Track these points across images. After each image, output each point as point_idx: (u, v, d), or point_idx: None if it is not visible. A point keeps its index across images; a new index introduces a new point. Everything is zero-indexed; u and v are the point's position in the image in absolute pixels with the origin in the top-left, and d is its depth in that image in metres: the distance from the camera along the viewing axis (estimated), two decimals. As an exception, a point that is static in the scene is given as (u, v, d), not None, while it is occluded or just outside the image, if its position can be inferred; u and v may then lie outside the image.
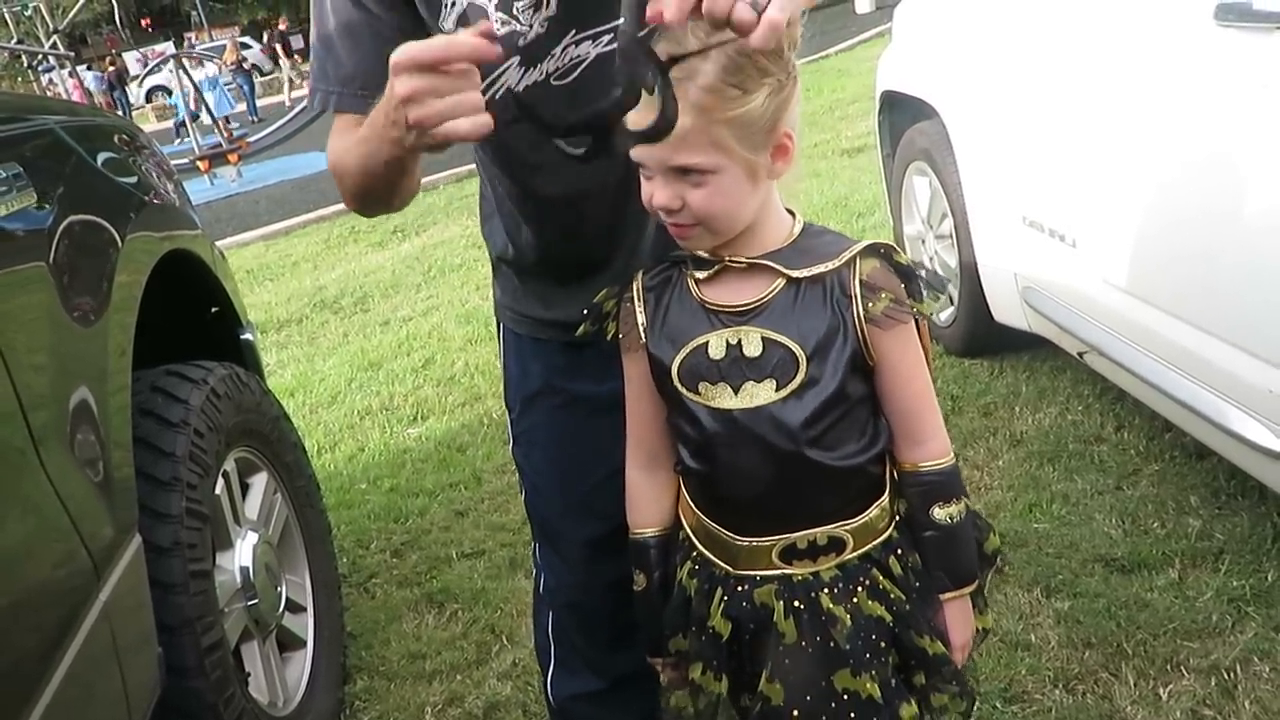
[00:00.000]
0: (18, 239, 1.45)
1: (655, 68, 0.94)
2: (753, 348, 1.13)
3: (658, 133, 0.96)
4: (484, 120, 0.96)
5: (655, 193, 1.09)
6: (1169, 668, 1.79)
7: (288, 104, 13.83)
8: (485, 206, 1.42)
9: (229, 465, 1.95)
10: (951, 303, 3.07)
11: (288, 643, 2.07)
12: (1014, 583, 2.07)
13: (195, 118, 13.84)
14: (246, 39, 30.51)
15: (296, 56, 23.09)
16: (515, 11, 1.17)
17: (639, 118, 0.97)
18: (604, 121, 0.97)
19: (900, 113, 3.19)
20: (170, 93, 20.81)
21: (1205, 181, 1.85)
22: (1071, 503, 2.31)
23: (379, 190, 1.19)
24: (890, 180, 3.49)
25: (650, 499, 1.29)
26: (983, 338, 3.01)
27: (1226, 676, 1.75)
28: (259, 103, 22.40)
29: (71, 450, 1.40)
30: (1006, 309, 2.74)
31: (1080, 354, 2.45)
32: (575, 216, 1.29)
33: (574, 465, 1.41)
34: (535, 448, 1.50)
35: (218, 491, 1.84)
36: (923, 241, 3.23)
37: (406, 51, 0.95)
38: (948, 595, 1.21)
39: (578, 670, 1.58)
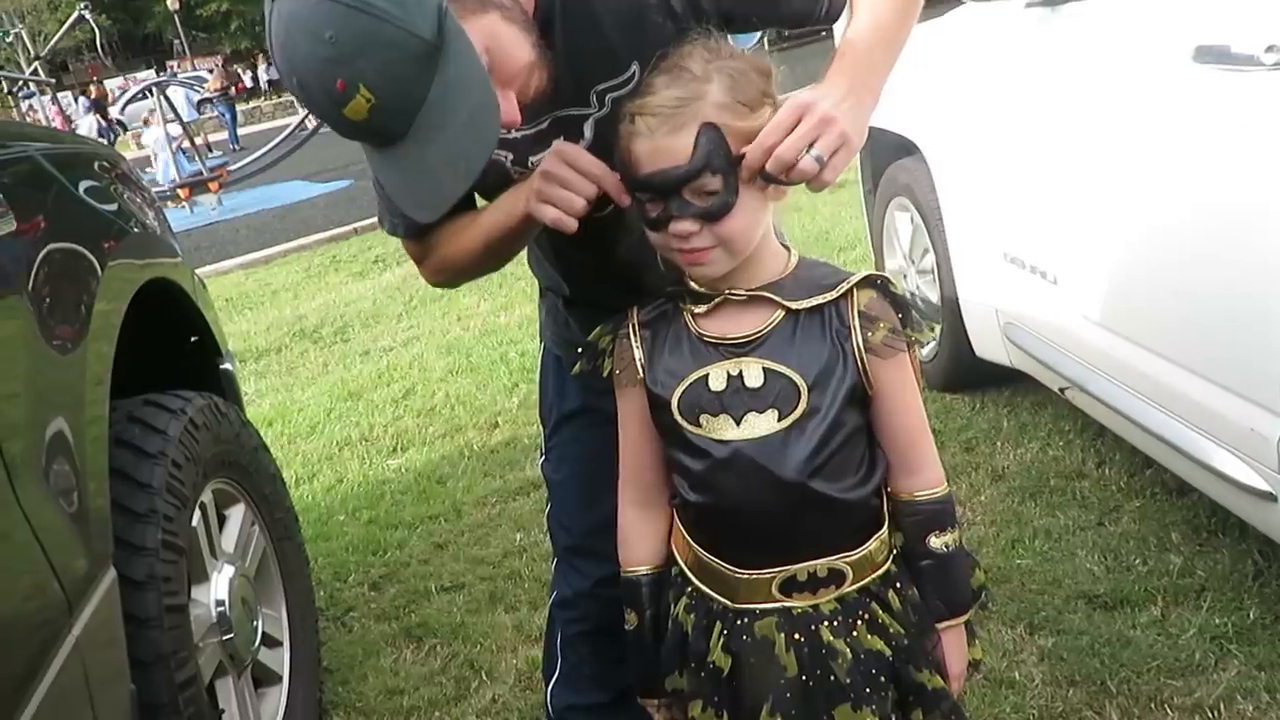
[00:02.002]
0: (-3, 268, 1.43)
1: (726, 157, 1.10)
2: (754, 378, 1.14)
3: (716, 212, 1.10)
4: (570, 223, 1.20)
5: (674, 215, 1.10)
6: (1153, 706, 1.79)
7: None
8: (531, 247, 1.56)
9: (206, 497, 1.91)
10: (933, 338, 3.08)
11: (263, 678, 2.03)
12: (997, 619, 2.06)
13: (178, 148, 13.79)
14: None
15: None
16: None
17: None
18: (674, 186, 1.10)
19: (881, 148, 3.22)
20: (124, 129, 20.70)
21: (1185, 219, 1.87)
22: (1054, 539, 2.31)
23: (498, 247, 1.37)
24: (872, 215, 3.51)
25: (643, 536, 1.29)
26: (964, 373, 3.02)
27: (1210, 715, 1.74)
28: (240, 131, 22.41)
29: (46, 481, 1.37)
30: (988, 344, 2.76)
31: (1061, 390, 2.46)
32: (610, 253, 1.38)
33: (600, 480, 1.44)
34: (565, 462, 1.63)
35: (194, 524, 1.81)
36: (904, 276, 3.24)
37: (571, 150, 1.23)
38: (945, 624, 1.22)
39: (581, 684, 1.66)
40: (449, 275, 1.48)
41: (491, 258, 1.39)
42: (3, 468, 1.28)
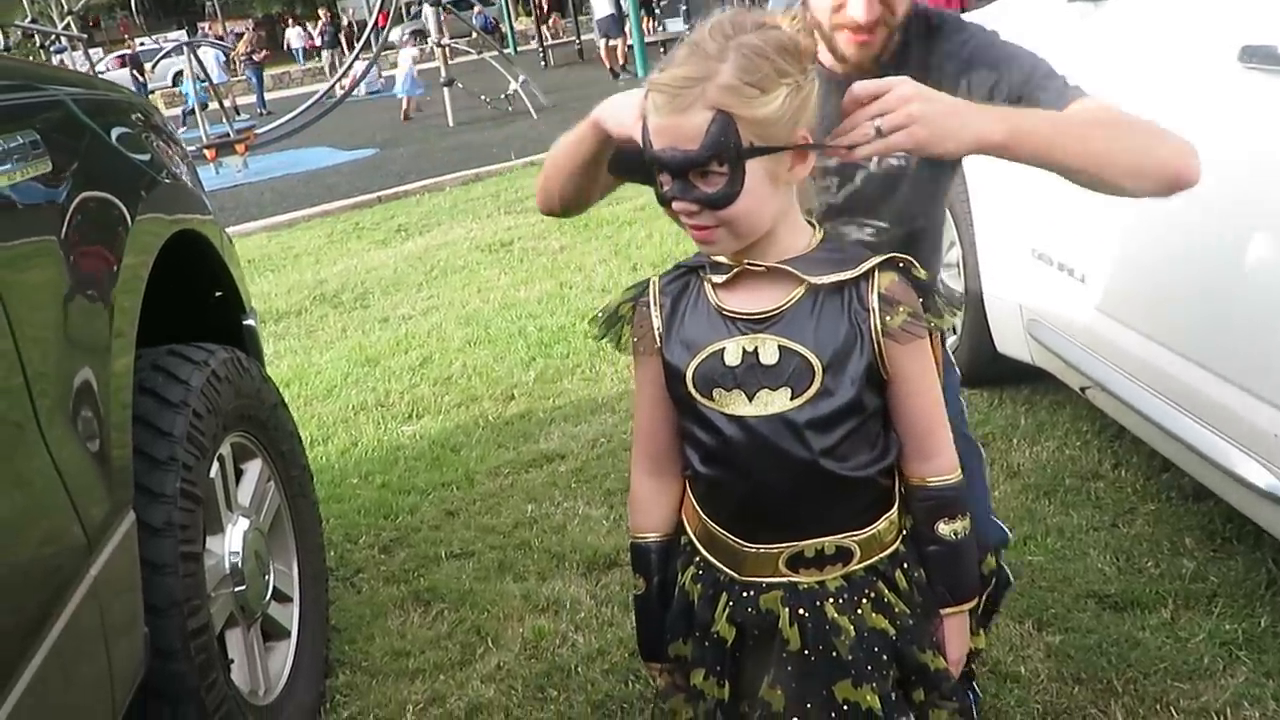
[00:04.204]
0: (31, 212, 1.44)
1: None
2: (769, 355, 1.14)
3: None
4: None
5: (676, 196, 1.09)
6: (1158, 707, 1.78)
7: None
8: None
9: (225, 449, 1.93)
10: (954, 332, 3.06)
11: (272, 632, 2.05)
12: (1005, 614, 2.05)
13: (204, 106, 13.85)
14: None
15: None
16: None
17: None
18: (681, 168, 1.12)
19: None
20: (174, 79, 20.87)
21: (1220, 222, 1.85)
22: (1066, 537, 2.31)
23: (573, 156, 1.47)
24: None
25: (654, 504, 1.29)
26: (984, 368, 3.00)
27: (1216, 719, 1.74)
28: (267, 96, 22.43)
29: (73, 425, 1.39)
30: (1010, 341, 2.74)
31: (1083, 389, 2.44)
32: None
33: None
34: None
35: (212, 475, 1.83)
36: (929, 269, 3.23)
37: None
38: (948, 610, 1.22)
39: None
40: (541, 191, 1.52)
41: (571, 169, 1.44)
42: (31, 410, 1.29)
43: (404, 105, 14.36)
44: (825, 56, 1.45)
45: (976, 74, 1.38)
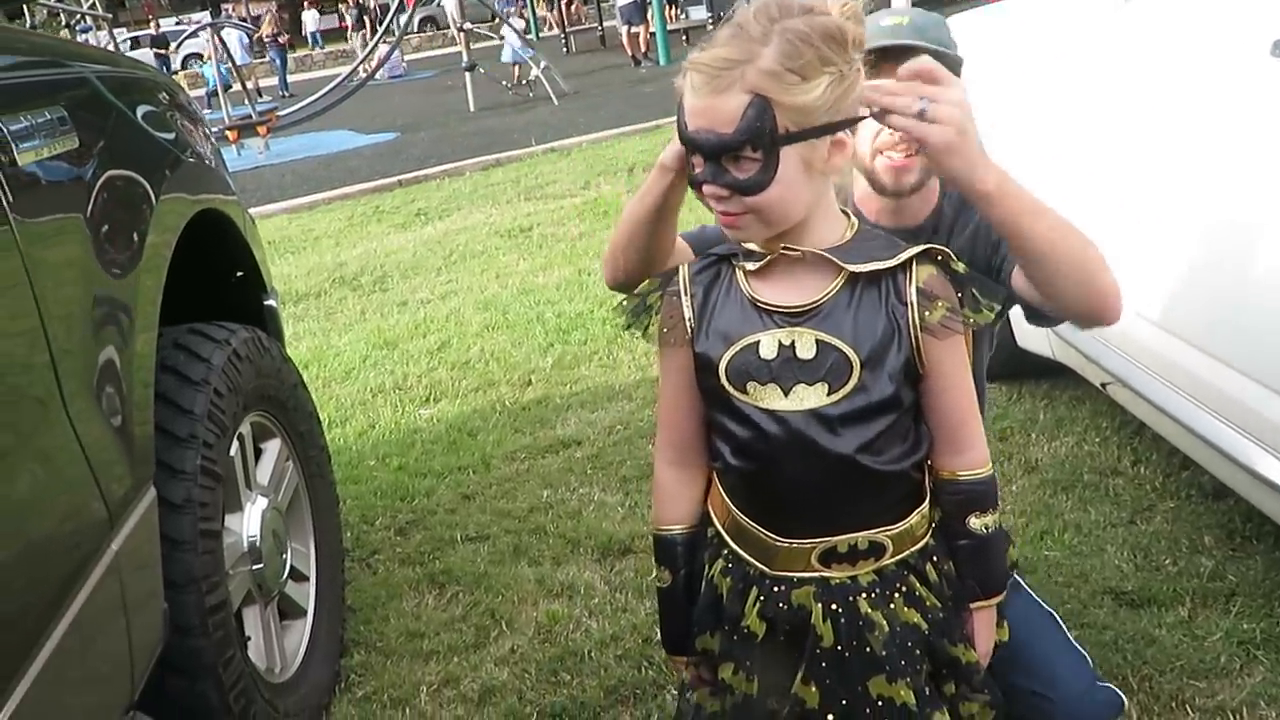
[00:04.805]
0: (59, 189, 1.45)
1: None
2: (806, 350, 1.12)
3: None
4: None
5: (706, 180, 1.08)
6: (1174, 705, 1.77)
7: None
8: None
9: (245, 428, 1.94)
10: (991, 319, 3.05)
11: (288, 611, 2.07)
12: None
13: (227, 88, 13.89)
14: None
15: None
16: None
17: None
18: (713, 152, 1.11)
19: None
20: (201, 58, 20.96)
21: (1245, 216, 1.83)
22: (1083, 533, 2.29)
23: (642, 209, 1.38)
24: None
25: (679, 495, 1.28)
26: (1004, 362, 2.97)
27: (1232, 718, 1.73)
28: (290, 78, 22.48)
29: (96, 401, 1.40)
30: (1031, 335, 2.72)
31: (1104, 384, 2.43)
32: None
33: None
34: None
35: (232, 453, 1.84)
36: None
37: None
38: (977, 604, 1.21)
39: None
40: (608, 260, 1.43)
41: (639, 220, 1.35)
42: (56, 385, 1.30)
43: (514, 73, 14.30)
44: (865, 203, 1.49)
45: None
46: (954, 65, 1.46)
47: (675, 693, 1.36)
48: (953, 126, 1.13)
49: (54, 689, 1.19)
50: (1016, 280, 1.35)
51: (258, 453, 2.05)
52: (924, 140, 1.14)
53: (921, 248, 1.13)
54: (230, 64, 14.40)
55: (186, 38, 18.39)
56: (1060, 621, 1.61)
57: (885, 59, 1.36)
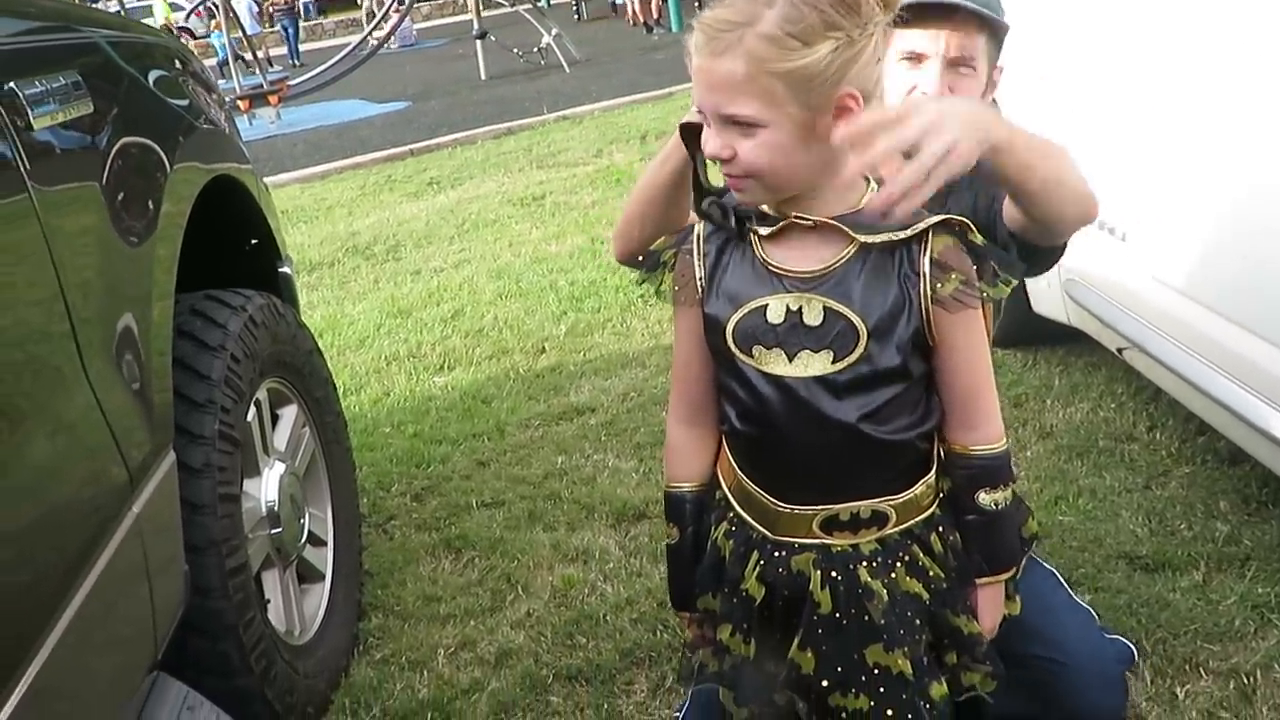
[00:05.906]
0: (74, 155, 1.45)
1: None
2: (813, 316, 1.11)
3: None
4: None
5: (708, 140, 1.08)
6: (1187, 668, 1.78)
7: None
8: None
9: (261, 394, 1.95)
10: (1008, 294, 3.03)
11: (307, 575, 2.09)
12: (1035, 573, 2.05)
13: (238, 58, 13.83)
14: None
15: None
16: None
17: None
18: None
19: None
20: (193, 34, 20.90)
21: (1265, 179, 1.81)
22: (1098, 498, 2.29)
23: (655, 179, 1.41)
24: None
25: (690, 454, 1.28)
26: (1019, 328, 2.97)
27: (1246, 681, 1.73)
28: (301, 47, 22.37)
29: (116, 367, 1.40)
30: (1046, 300, 2.71)
31: (1120, 350, 2.42)
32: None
33: None
34: None
35: (249, 419, 1.85)
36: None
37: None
38: (983, 580, 1.20)
39: None
40: (620, 234, 1.44)
41: (653, 189, 1.37)
42: (76, 350, 1.31)
43: (631, 8, 14.12)
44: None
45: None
46: (999, 32, 1.43)
47: (686, 653, 1.37)
48: (956, 144, 1.06)
49: (78, 650, 1.21)
50: (1009, 213, 1.35)
51: (274, 418, 2.06)
52: (958, 174, 1.08)
53: (940, 218, 1.10)
54: (240, 34, 14.33)
55: (196, 6, 18.30)
56: (1061, 579, 1.60)
57: (924, 17, 1.32)
